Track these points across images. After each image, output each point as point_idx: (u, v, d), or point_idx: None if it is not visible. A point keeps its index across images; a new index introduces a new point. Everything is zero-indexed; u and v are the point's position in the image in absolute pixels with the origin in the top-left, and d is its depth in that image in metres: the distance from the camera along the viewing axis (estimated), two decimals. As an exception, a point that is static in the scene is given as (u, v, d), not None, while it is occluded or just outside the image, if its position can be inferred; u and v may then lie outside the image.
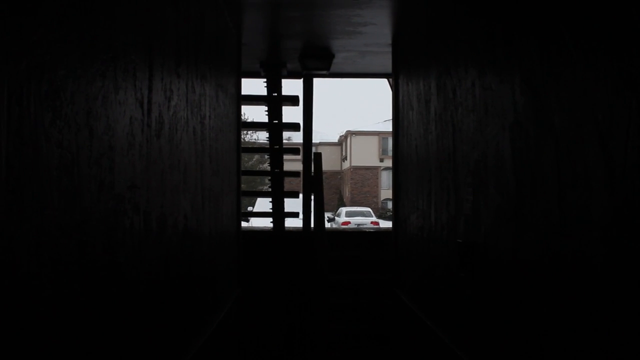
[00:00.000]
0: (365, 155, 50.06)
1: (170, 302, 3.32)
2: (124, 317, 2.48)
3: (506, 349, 3.00)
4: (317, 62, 7.40)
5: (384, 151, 49.23)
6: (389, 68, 7.19)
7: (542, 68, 2.52)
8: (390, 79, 7.45)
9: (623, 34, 1.89)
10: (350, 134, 51.37)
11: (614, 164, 1.92)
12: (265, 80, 8.24)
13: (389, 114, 7.07)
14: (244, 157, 40.95)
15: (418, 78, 5.30)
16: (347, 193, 51.34)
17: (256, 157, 43.02)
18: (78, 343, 1.98)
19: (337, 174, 54.03)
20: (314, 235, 7.91)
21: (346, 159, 52.88)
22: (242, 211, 7.39)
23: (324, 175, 8.98)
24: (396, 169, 6.57)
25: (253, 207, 23.53)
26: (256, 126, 9.39)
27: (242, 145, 8.03)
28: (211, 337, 4.49)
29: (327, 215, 29.76)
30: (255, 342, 7.63)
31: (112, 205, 2.27)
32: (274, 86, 8.24)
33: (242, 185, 6.99)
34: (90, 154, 2.02)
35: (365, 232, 8.92)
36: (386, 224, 27.18)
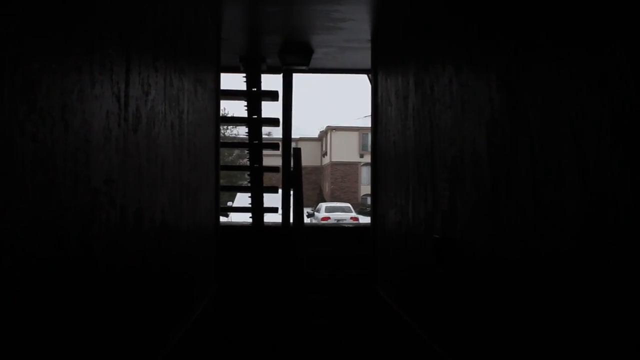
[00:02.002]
0: (346, 150, 50.05)
1: (147, 297, 3.31)
2: (100, 311, 2.48)
3: (482, 343, 3.03)
4: (297, 57, 7.39)
5: (364, 147, 49.27)
6: (368, 64, 7.21)
7: (518, 65, 2.55)
8: (370, 75, 7.47)
9: (596, 34, 1.91)
10: (330, 129, 51.35)
11: (586, 160, 1.94)
12: (244, 75, 8.22)
13: (369, 109, 7.08)
14: (224, 152, 40.89)
15: (397, 74, 5.32)
16: (327, 188, 51.35)
17: (236, 152, 42.86)
18: (53, 336, 1.97)
19: (317, 170, 54.00)
20: (293, 231, 7.91)
21: (326, 155, 52.86)
22: (221, 206, 7.38)
23: (304, 171, 8.99)
24: (375, 165, 6.59)
25: (233, 202, 23.43)
26: (235, 121, 9.38)
27: (222, 140, 8.00)
28: (188, 332, 4.48)
29: (306, 210, 29.74)
30: (233, 338, 7.62)
31: (88, 199, 2.26)
32: (253, 81, 8.22)
33: (222, 180, 6.98)
34: (65, 148, 2.01)
35: (345, 227, 8.93)
36: (366, 220, 27.21)
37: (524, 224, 2.48)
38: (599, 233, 1.88)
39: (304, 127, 54.97)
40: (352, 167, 50.08)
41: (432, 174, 3.98)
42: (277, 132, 8.97)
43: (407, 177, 4.77)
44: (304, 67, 7.75)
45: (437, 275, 3.80)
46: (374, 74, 6.80)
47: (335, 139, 50.71)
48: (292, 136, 8.69)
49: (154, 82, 3.39)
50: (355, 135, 50.50)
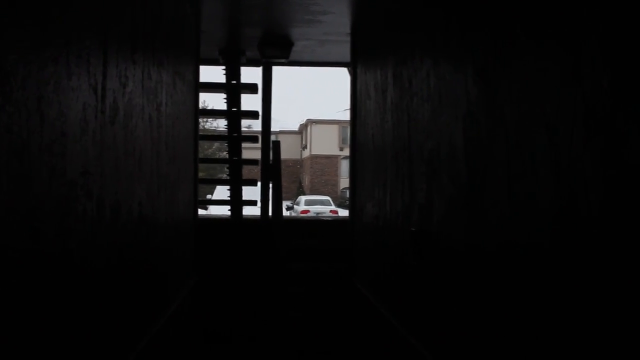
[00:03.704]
0: (325, 144, 50.11)
1: (124, 290, 3.31)
2: (75, 304, 2.47)
3: (459, 335, 3.07)
4: (276, 50, 7.39)
5: (343, 140, 49.32)
6: (348, 57, 7.23)
7: (495, 59, 2.57)
8: (349, 68, 7.48)
9: (571, 29, 1.94)
10: (310, 122, 51.37)
11: (559, 154, 1.97)
12: (224, 68, 8.21)
13: (349, 103, 7.10)
14: (204, 145, 40.73)
15: (375, 67, 5.35)
16: (306, 181, 51.37)
17: (216, 145, 42.74)
18: (26, 330, 1.97)
19: (297, 163, 53.99)
20: (272, 223, 7.92)
21: (306, 148, 52.87)
22: (200, 199, 7.37)
23: (283, 164, 8.98)
24: (353, 158, 6.61)
25: (212, 195, 23.38)
26: (214, 114, 9.36)
27: (202, 133, 7.98)
28: (165, 325, 4.48)
29: (286, 203, 29.75)
30: (211, 330, 7.62)
31: (64, 191, 2.25)
32: (233, 74, 8.21)
33: (202, 174, 6.97)
34: (41, 140, 2.01)
35: (324, 220, 8.96)
36: (345, 213, 27.27)
37: (499, 217, 2.51)
38: (570, 225, 1.91)
39: (284, 119, 54.95)
40: (332, 160, 50.16)
41: (409, 167, 4.01)
42: (257, 125, 8.97)
43: (385, 170, 4.80)
44: (283, 60, 7.75)
45: (413, 267, 3.83)
46: (353, 67, 6.82)
47: (315, 132, 50.74)
48: (272, 129, 8.70)
49: (132, 74, 3.38)
50: (335, 129, 50.56)
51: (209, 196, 22.88)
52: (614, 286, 1.70)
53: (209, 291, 7.39)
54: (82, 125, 2.46)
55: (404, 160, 4.17)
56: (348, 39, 6.84)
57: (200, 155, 8.10)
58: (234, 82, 8.22)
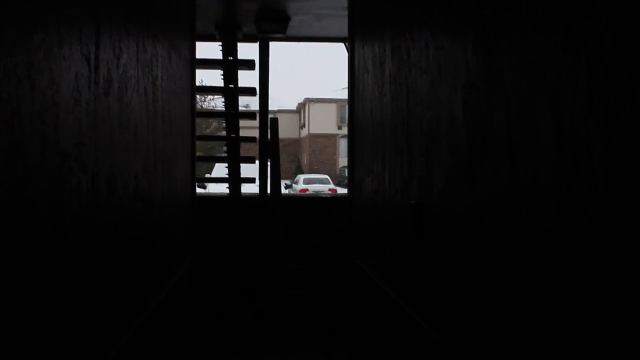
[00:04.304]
0: (324, 123, 50.03)
1: (121, 267, 3.28)
2: (69, 281, 2.44)
3: (458, 310, 3.04)
4: (273, 25, 7.33)
5: (342, 119, 49.22)
6: (345, 32, 7.15)
7: (494, 25, 2.52)
8: (347, 43, 7.42)
9: (572, -10, 1.88)
10: (308, 101, 51.24)
11: (562, 120, 1.93)
12: (220, 43, 8.14)
13: (347, 81, 7.02)
14: (202, 124, 40.62)
15: (373, 41, 5.28)
16: (305, 160, 51.34)
17: (214, 124, 42.64)
18: (19, 308, 1.93)
19: (296, 142, 53.92)
20: (270, 201, 7.90)
21: (304, 127, 52.78)
22: (198, 177, 7.34)
23: (282, 143, 8.94)
24: (351, 133, 6.56)
25: (210, 173, 23.37)
26: (212, 90, 9.29)
27: (199, 111, 7.91)
28: (164, 302, 4.46)
29: (285, 182, 29.75)
30: (211, 307, 7.62)
31: (57, 163, 2.21)
32: (229, 50, 8.15)
33: (200, 153, 6.92)
34: (32, 108, 1.96)
35: (322, 198, 8.93)
36: (344, 191, 27.27)
37: (500, 188, 2.47)
38: (573, 194, 1.88)
39: (282, 98, 54.85)
40: (331, 139, 50.12)
41: (408, 139, 3.97)
42: (254, 105, 8.91)
43: (384, 143, 4.76)
44: (280, 35, 7.69)
45: (413, 241, 3.80)
46: (350, 42, 6.75)
47: (313, 111, 50.63)
48: (270, 108, 8.65)
49: (126, 46, 3.32)
50: (333, 107, 50.47)
51: (207, 175, 22.88)
52: (617, 259, 1.66)
53: (207, 268, 7.39)
54: (75, 96, 2.42)
55: (402, 133, 4.12)
56: (345, 12, 6.76)
57: (198, 135, 8.05)
58: (231, 58, 8.16)
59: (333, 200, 8.66)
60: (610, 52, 1.68)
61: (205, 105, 40.71)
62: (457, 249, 3.03)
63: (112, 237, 3.08)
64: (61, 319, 2.32)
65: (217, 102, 36.40)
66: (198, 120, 7.00)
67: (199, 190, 18.52)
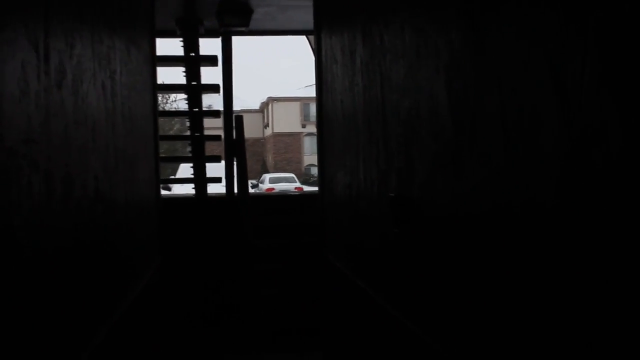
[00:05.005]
0: (287, 121, 49.84)
1: (81, 274, 3.03)
2: (22, 291, 2.19)
3: (444, 305, 2.85)
4: (236, 18, 7.09)
5: (305, 117, 49.08)
6: (310, 24, 6.93)
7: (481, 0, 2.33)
8: (311, 37, 7.22)
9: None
10: (271, 100, 51.01)
11: (567, 94, 1.74)
12: (181, 39, 7.86)
13: (310, 79, 6.81)
14: (164, 126, 40.06)
15: (342, 30, 5.07)
16: (270, 160, 51.10)
17: (177, 126, 42.13)
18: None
19: (260, 141, 53.62)
20: (238, 200, 7.67)
21: (268, 126, 52.55)
22: (163, 178, 7.08)
23: (246, 143, 8.73)
24: (320, 127, 6.36)
25: (175, 175, 22.99)
26: (174, 88, 9.02)
27: (162, 111, 7.65)
28: (130, 308, 4.21)
29: (250, 182, 29.46)
30: (180, 311, 7.37)
31: (2, 160, 1.96)
32: (191, 46, 7.88)
33: (164, 154, 6.68)
34: (-31, 98, 1.72)
35: (291, 195, 8.76)
36: (310, 189, 27.08)
37: (492, 172, 2.28)
38: (582, 176, 1.69)
39: (245, 97, 54.58)
40: (295, 137, 49.96)
41: (384, 129, 3.77)
42: (218, 105, 8.64)
43: (357, 135, 4.55)
44: (243, 29, 7.46)
45: (394, 235, 3.60)
46: (316, 32, 6.54)
47: (276, 109, 50.44)
48: (234, 108, 8.41)
49: (80, 35, 3.07)
50: (296, 106, 50.30)
51: (172, 177, 22.47)
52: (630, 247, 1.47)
53: (175, 271, 7.12)
54: (22, 86, 2.17)
55: (377, 123, 3.92)
56: (310, 3, 6.54)
57: (162, 135, 7.78)
58: (193, 54, 7.90)
59: (301, 197, 8.47)
60: (627, 12, 1.49)
61: (168, 107, 40.21)
62: (444, 241, 2.83)
63: (71, 242, 2.83)
64: (8, 334, 2.08)
65: (179, 104, 35.96)
66: (161, 121, 6.76)
67: (164, 192, 18.18)
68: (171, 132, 40.92)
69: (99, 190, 3.40)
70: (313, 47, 6.91)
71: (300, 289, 7.42)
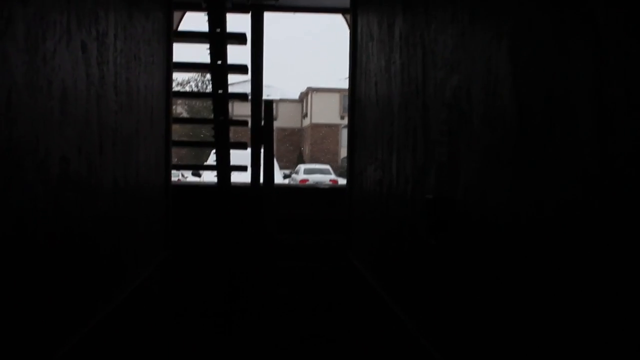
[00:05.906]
0: (326, 112, 49.20)
1: (33, 275, 2.40)
2: None
3: (492, 342, 2.15)
4: (265, -12, 6.43)
5: (344, 109, 48.34)
6: (345, 2, 6.26)
7: None
8: (347, 15, 6.55)
9: None
10: (311, 90, 50.39)
11: None
12: (207, 14, 7.21)
13: (348, 54, 6.11)
14: (192, 107, 39.64)
15: (380, 4, 4.38)
16: (307, 150, 50.57)
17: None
18: None
19: (298, 131, 53.13)
20: (262, 191, 7.04)
21: (307, 116, 51.97)
22: (190, 164, 6.47)
23: (284, 132, 8.09)
24: (352, 114, 5.67)
25: (207, 161, 22.46)
26: (195, 67, 8.39)
27: (181, 92, 7.04)
28: (115, 311, 3.59)
29: (284, 172, 28.84)
30: (188, 310, 6.74)
31: None
32: (217, 21, 7.20)
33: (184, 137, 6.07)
34: None
35: (320, 189, 8.11)
36: (344, 183, 26.42)
37: (575, 171, 1.58)
38: None
39: (284, 87, 54.20)
40: (333, 129, 49.33)
41: (423, 115, 3.07)
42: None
43: (391, 123, 3.86)
44: (272, 2, 6.78)
45: (430, 247, 2.90)
46: (353, 10, 5.85)
47: (315, 100, 49.86)
48: (273, 97, 7.78)
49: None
50: (336, 97, 49.65)
51: (205, 163, 21.93)
52: None
53: (183, 267, 6.48)
54: None
55: (416, 108, 3.23)
56: (347, -24, 5.87)
57: (179, 118, 7.16)
58: (219, 30, 7.23)
59: (331, 191, 7.80)
60: None
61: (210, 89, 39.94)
62: (497, 257, 2.13)
63: (13, 234, 2.20)
64: None
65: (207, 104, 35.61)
66: (191, 103, 6.14)
67: (194, 178, 17.62)
68: (205, 114, 40.54)
69: (69, 174, 2.77)
70: (349, 24, 6.22)
71: (316, 292, 6.75)
